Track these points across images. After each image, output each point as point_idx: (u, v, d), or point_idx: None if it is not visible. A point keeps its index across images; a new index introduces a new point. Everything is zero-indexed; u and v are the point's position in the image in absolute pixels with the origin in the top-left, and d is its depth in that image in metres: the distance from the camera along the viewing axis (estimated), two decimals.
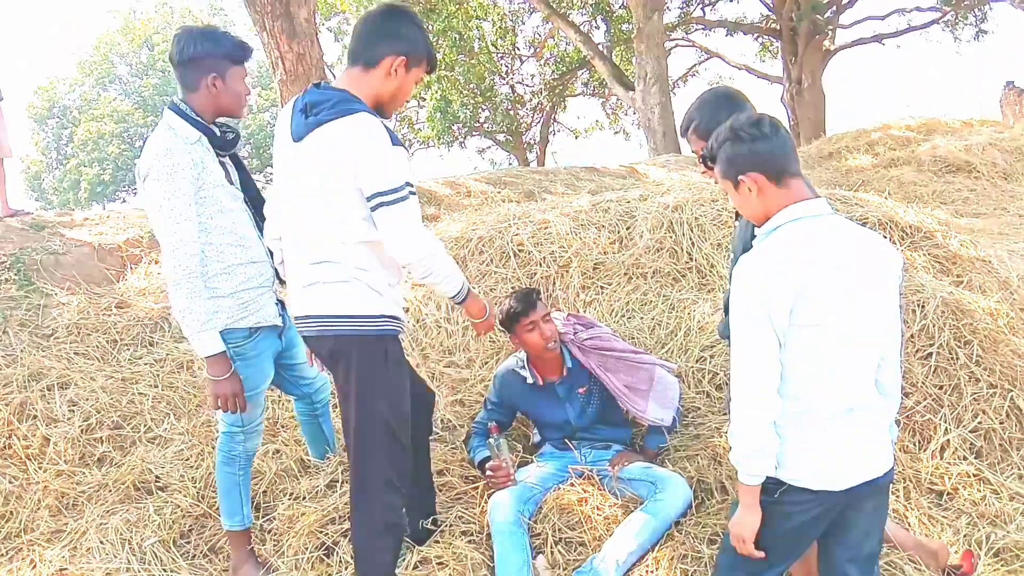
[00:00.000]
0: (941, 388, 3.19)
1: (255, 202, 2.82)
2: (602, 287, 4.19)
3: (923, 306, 3.36)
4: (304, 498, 3.14)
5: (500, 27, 21.89)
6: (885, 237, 3.96)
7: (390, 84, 2.37)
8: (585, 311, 4.05)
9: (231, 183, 2.71)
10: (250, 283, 2.67)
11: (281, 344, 2.88)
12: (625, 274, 4.23)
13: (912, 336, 3.27)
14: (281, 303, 2.88)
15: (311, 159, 2.28)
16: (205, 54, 2.61)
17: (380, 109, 2.38)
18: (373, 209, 2.24)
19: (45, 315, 4.46)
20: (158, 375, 4.09)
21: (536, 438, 3.43)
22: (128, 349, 4.35)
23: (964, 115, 12.88)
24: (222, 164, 2.69)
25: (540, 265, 4.30)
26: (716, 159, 2.03)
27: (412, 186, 2.28)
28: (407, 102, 2.54)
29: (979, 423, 3.11)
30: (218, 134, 2.68)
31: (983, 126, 11.84)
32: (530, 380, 3.25)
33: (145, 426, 3.75)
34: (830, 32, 18.12)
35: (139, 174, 2.59)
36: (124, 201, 31.40)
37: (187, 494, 3.25)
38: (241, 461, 2.87)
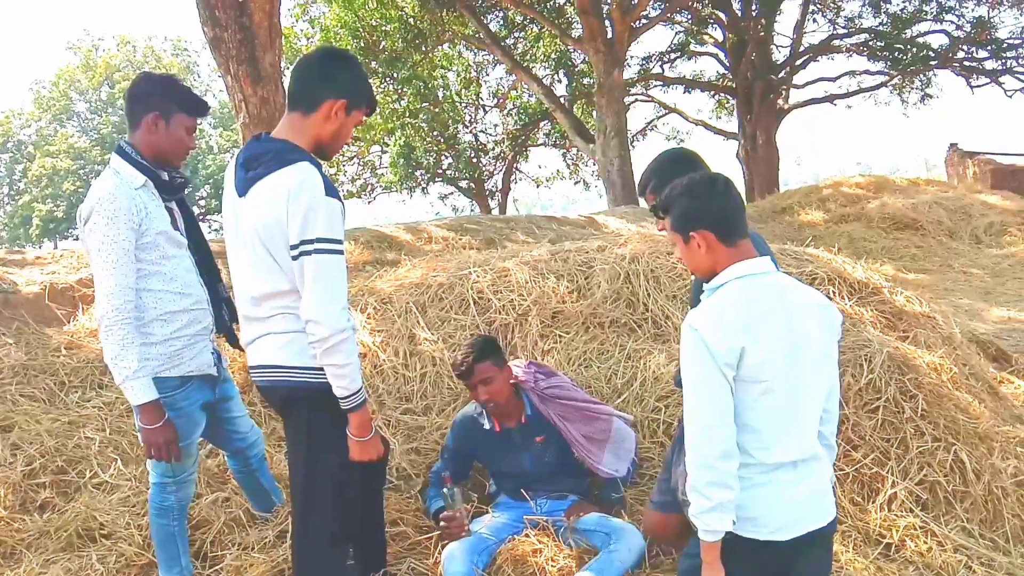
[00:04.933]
0: (888, 441, 3.26)
1: (199, 247, 2.80)
2: (560, 336, 4.22)
3: (870, 360, 3.45)
4: (253, 549, 3.06)
5: (464, 77, 22.26)
6: (834, 292, 4.08)
7: (330, 127, 2.32)
8: (543, 359, 4.07)
9: (176, 228, 2.69)
10: (187, 330, 2.65)
11: (214, 395, 2.83)
12: (583, 323, 4.27)
13: (859, 390, 3.35)
14: (218, 353, 2.84)
15: (254, 212, 2.25)
16: (153, 93, 2.62)
17: (321, 151, 2.35)
18: (295, 258, 2.18)
19: None
20: (106, 419, 3.98)
21: (492, 488, 3.42)
22: (76, 391, 4.24)
23: (911, 174, 13.38)
24: (168, 209, 2.67)
25: (499, 313, 4.33)
26: (668, 211, 2.09)
27: (341, 244, 2.20)
28: (348, 144, 2.54)
29: (925, 476, 3.18)
30: (165, 178, 2.66)
31: (929, 185, 12.31)
32: (487, 427, 3.26)
33: (91, 471, 3.63)
34: (784, 91, 18.81)
35: (80, 216, 2.57)
36: (76, 239, 30.79)
37: (132, 543, 3.14)
38: (175, 512, 2.80)
